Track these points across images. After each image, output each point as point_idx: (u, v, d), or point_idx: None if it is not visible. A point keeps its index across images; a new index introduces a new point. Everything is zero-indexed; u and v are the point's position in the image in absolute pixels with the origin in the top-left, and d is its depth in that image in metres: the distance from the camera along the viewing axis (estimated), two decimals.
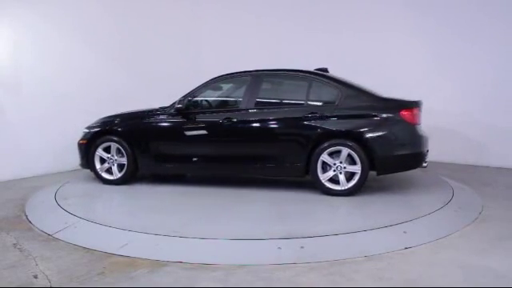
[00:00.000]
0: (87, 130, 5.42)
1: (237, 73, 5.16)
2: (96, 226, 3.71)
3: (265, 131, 4.86)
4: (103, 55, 6.96)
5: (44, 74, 6.17)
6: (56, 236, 3.63)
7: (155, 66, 7.64)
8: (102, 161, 5.30)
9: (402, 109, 4.55)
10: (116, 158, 5.25)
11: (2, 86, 5.77)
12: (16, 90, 5.92)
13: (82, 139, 5.42)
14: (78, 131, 6.19)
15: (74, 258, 3.18)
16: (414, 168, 4.87)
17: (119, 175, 5.25)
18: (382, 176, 4.90)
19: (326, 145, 4.57)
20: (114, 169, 5.26)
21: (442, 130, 6.48)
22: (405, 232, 3.53)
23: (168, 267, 2.99)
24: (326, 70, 5.24)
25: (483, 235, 3.59)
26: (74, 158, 6.54)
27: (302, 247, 3.23)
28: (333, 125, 4.61)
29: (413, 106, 4.62)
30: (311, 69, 5.14)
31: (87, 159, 5.33)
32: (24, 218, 4.21)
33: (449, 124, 6.72)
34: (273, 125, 4.83)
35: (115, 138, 5.21)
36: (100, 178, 5.32)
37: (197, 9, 8.60)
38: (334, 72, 5.27)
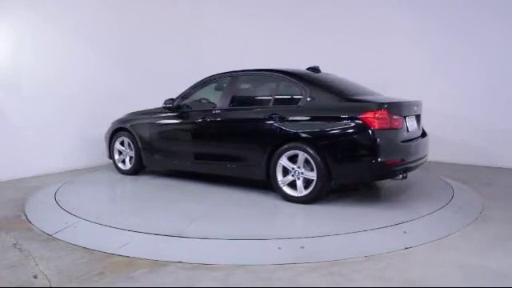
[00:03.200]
0: (111, 125, 6.09)
1: (222, 73, 5.26)
2: (96, 226, 3.72)
3: (231, 131, 4.95)
4: (104, 55, 6.96)
5: (44, 74, 6.16)
6: (56, 236, 3.62)
7: (156, 66, 7.64)
8: (120, 153, 6.00)
9: (365, 111, 4.05)
10: (128, 151, 5.90)
11: (2, 87, 5.76)
12: (16, 90, 5.91)
13: (107, 133, 6.14)
14: (78, 131, 6.18)
15: (74, 258, 3.18)
16: (383, 179, 4.52)
17: (129, 166, 5.88)
18: None
19: (283, 148, 4.39)
20: (127, 160, 5.94)
21: (442, 130, 6.47)
22: (405, 232, 3.54)
23: (168, 267, 2.99)
24: (317, 69, 5.16)
25: (483, 235, 3.59)
26: (75, 158, 6.55)
27: (302, 247, 3.23)
28: (290, 127, 4.37)
29: (378, 108, 4.06)
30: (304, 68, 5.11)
31: (109, 151, 6.09)
32: (24, 218, 4.20)
33: (448, 124, 6.70)
34: (238, 125, 4.88)
35: (125, 133, 5.87)
36: (117, 167, 6.04)
37: (197, 10, 8.61)
38: (333, 72, 5.25)
